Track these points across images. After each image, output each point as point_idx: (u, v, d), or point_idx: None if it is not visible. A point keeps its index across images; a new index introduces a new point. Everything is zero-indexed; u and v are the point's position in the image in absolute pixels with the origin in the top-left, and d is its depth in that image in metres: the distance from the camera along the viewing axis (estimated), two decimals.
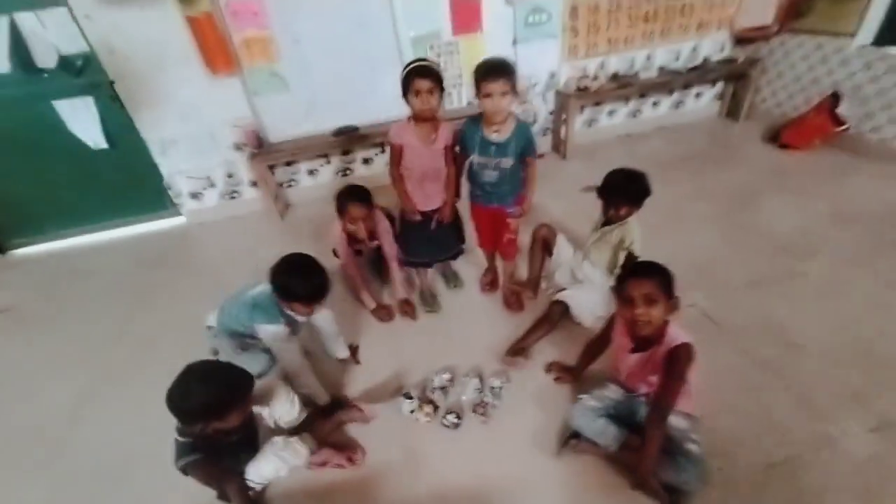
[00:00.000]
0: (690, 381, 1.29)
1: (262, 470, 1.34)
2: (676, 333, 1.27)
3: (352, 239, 2.01)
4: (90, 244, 3.21)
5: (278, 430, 1.47)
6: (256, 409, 1.41)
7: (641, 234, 1.81)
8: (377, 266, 2.37)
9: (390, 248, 2.06)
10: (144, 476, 1.55)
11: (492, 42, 3.16)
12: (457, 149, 1.82)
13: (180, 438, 1.25)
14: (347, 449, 1.51)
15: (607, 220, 1.86)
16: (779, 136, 3.31)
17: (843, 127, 3.01)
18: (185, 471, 1.27)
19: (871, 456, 1.36)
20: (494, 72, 1.54)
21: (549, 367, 1.74)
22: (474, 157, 1.75)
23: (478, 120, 1.71)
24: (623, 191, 1.76)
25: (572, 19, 3.23)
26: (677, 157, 3.47)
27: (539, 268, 2.10)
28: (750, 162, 3.22)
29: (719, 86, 3.94)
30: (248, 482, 1.33)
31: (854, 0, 2.89)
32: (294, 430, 1.48)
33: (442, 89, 1.65)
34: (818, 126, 3.12)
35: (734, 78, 3.78)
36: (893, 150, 2.87)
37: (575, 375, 1.68)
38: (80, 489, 1.54)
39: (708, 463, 1.28)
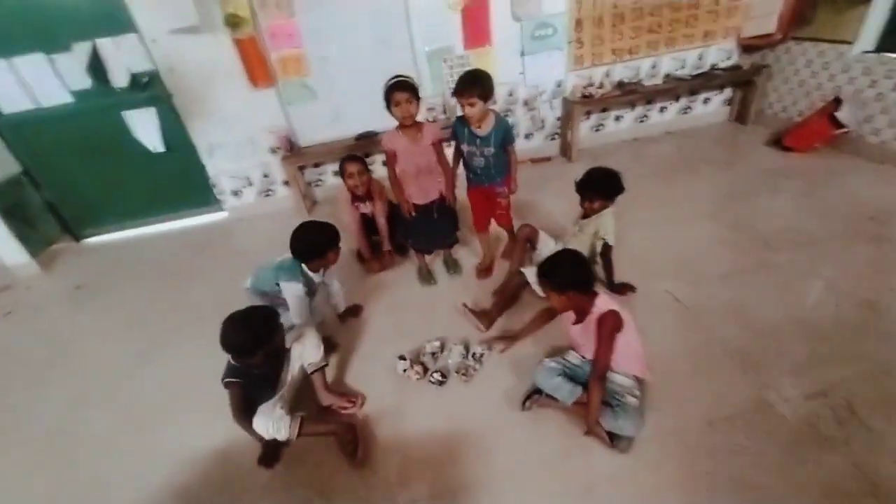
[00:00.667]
0: (632, 345, 1.52)
1: (258, 423, 1.58)
2: (604, 304, 1.50)
3: (355, 197, 2.51)
4: (148, 234, 3.73)
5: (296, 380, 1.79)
6: (291, 345, 1.74)
7: (616, 227, 2.04)
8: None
9: (382, 208, 2.56)
10: (187, 416, 1.91)
11: (501, 54, 3.44)
12: (451, 142, 2.18)
13: (232, 362, 1.59)
14: (350, 395, 1.82)
15: (585, 214, 2.10)
16: (781, 140, 3.40)
17: (843, 130, 3.08)
18: (226, 386, 1.60)
19: (801, 419, 1.52)
20: (463, 87, 1.92)
21: (490, 344, 1.97)
22: (464, 147, 2.13)
23: (463, 119, 2.06)
24: (596, 186, 2.00)
25: (577, 32, 3.46)
26: (681, 159, 3.61)
27: (520, 261, 2.27)
28: (751, 164, 3.33)
29: (728, 91, 4.04)
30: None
31: (854, 9, 2.98)
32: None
33: (418, 98, 1.97)
34: (819, 129, 3.20)
35: (741, 84, 3.89)
36: (891, 151, 2.92)
37: (515, 338, 1.96)
38: (136, 421, 1.92)
39: (644, 414, 1.49)
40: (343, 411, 1.77)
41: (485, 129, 2.03)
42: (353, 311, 2.31)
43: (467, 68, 3.34)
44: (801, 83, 3.46)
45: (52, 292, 3.07)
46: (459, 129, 2.11)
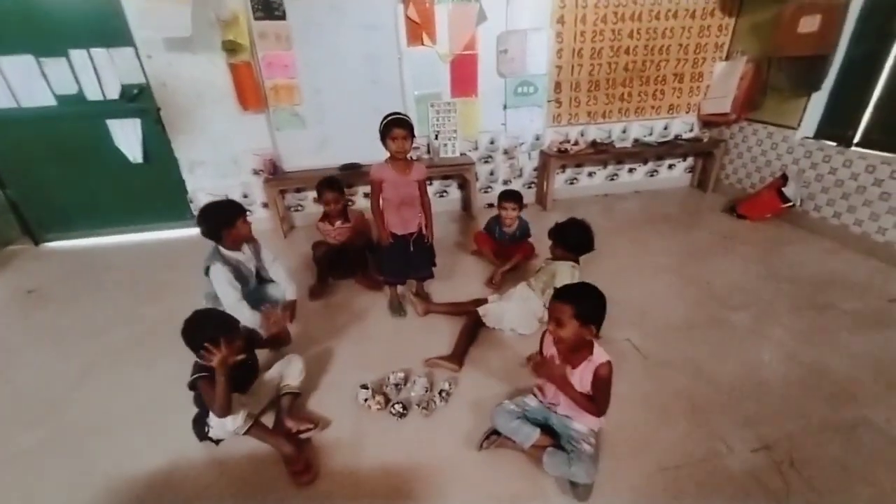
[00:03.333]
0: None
1: (213, 417, 1.60)
2: (600, 355, 1.48)
3: (324, 216, 2.71)
4: (114, 243, 3.61)
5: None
6: (274, 367, 1.87)
7: (576, 279, 2.15)
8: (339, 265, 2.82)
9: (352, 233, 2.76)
10: (127, 437, 1.80)
11: (485, 105, 3.67)
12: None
13: (199, 361, 1.56)
14: (313, 418, 1.79)
15: (553, 256, 2.22)
16: (736, 208, 3.69)
17: (789, 204, 3.39)
18: (193, 385, 1.57)
19: (746, 471, 1.58)
20: (509, 198, 2.77)
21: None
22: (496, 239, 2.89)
23: (498, 218, 2.84)
24: (561, 236, 2.14)
25: (556, 93, 3.75)
26: (647, 218, 3.85)
27: (466, 344, 2.20)
28: (709, 227, 3.58)
29: (690, 160, 4.40)
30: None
31: (797, 98, 3.37)
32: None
33: (413, 136, 2.09)
34: (768, 201, 3.50)
35: (701, 154, 4.25)
36: (831, 227, 3.22)
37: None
38: (71, 441, 1.79)
39: (598, 461, 1.52)
40: (303, 435, 1.72)
41: (512, 228, 2.84)
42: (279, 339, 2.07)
43: (452, 114, 3.57)
44: (753, 159, 3.82)
45: (2, 295, 2.90)
46: (493, 225, 2.91)
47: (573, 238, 2.22)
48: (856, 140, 3.09)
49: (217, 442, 1.69)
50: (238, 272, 2.00)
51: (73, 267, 3.24)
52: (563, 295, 1.49)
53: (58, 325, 2.56)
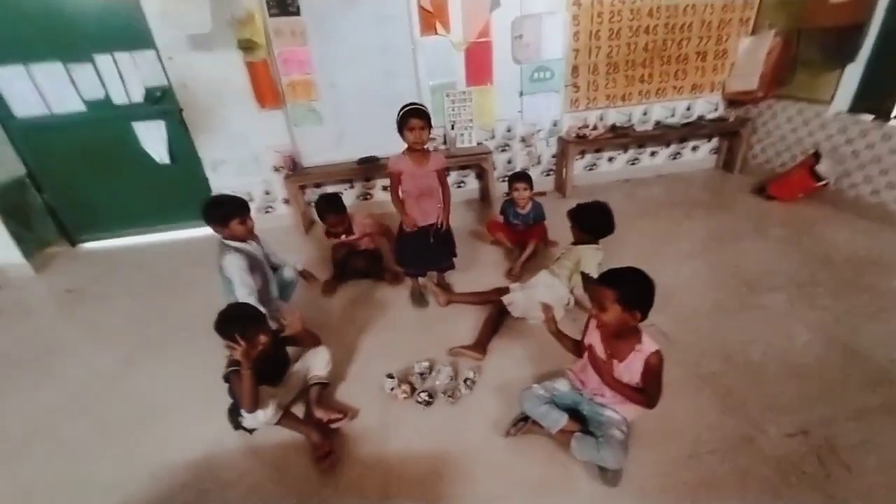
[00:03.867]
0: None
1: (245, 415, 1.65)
2: (650, 344, 1.42)
3: (329, 233, 2.69)
4: (145, 243, 3.75)
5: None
6: (301, 360, 1.91)
7: (600, 263, 2.13)
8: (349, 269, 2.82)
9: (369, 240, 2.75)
10: (169, 425, 1.89)
11: (501, 93, 3.63)
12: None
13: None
14: (342, 408, 1.84)
15: (575, 240, 2.20)
16: (766, 189, 3.56)
17: (823, 182, 3.25)
18: (226, 378, 1.63)
19: (782, 456, 1.54)
20: (519, 179, 2.75)
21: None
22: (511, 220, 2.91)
23: (512, 201, 2.85)
24: (581, 219, 2.14)
25: (573, 77, 3.67)
26: (671, 202, 3.75)
27: (490, 333, 2.20)
28: (737, 210, 3.47)
29: (715, 140, 4.25)
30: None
31: (829, 73, 3.21)
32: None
33: (430, 126, 2.08)
34: (800, 181, 3.36)
35: (727, 135, 4.10)
36: (868, 205, 3.08)
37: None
38: (115, 431, 1.88)
39: (628, 448, 1.50)
40: (333, 424, 1.76)
41: (526, 210, 2.83)
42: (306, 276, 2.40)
43: (468, 103, 3.55)
44: (783, 137, 3.67)
45: (44, 295, 3.05)
46: (507, 207, 2.90)
47: (593, 220, 2.19)
48: (895, 113, 2.94)
49: (251, 431, 1.74)
50: (252, 260, 2.03)
51: (108, 266, 3.38)
52: (607, 278, 1.44)
53: (96, 321, 2.67)
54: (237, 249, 1.99)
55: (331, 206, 2.59)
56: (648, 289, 1.40)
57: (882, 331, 2.06)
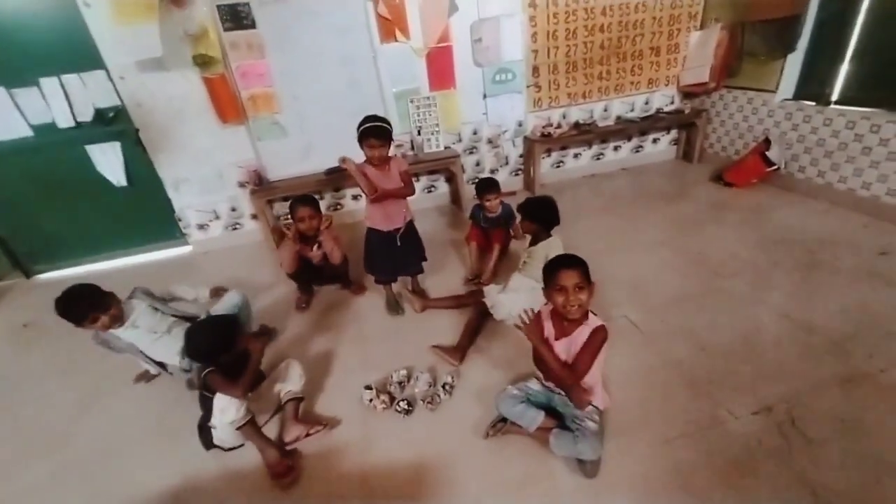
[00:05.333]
0: (596, 376, 1.57)
1: (219, 398, 1.61)
2: (596, 320, 1.51)
3: (303, 238, 2.48)
4: (106, 269, 3.59)
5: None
6: (272, 375, 1.89)
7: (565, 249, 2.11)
8: (312, 278, 2.75)
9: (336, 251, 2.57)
10: (134, 461, 1.82)
11: (464, 96, 3.66)
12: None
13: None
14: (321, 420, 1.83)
15: (532, 241, 2.26)
16: (722, 176, 3.71)
17: (774, 167, 3.41)
18: (204, 382, 1.62)
19: (749, 434, 1.61)
20: (488, 188, 2.67)
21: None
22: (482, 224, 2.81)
23: (481, 206, 2.77)
24: (529, 212, 2.23)
25: (534, 77, 3.74)
26: (635, 193, 3.88)
27: (471, 338, 2.22)
28: (697, 198, 3.60)
29: (674, 132, 4.41)
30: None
31: (773, 62, 3.38)
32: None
33: (391, 142, 2.07)
34: (753, 167, 3.52)
35: (684, 126, 4.26)
36: (816, 186, 3.25)
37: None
38: (81, 470, 1.81)
39: (603, 437, 1.55)
40: (312, 435, 1.74)
41: (496, 213, 2.75)
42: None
43: (433, 108, 3.56)
44: (736, 125, 3.84)
45: None
46: (477, 212, 2.81)
47: (544, 211, 2.24)
48: (834, 98, 3.12)
49: (227, 449, 1.70)
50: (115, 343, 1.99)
51: None
52: (568, 261, 1.49)
53: (55, 356, 2.55)
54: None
55: (304, 200, 2.46)
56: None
57: (835, 306, 2.18)
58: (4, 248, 3.41)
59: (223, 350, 1.62)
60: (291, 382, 1.86)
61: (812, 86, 3.25)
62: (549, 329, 1.59)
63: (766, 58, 3.41)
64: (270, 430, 1.81)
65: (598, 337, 1.47)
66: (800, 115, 3.26)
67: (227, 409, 1.59)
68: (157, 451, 1.83)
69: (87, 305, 1.84)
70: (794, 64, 3.29)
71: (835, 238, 2.76)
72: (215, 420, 1.63)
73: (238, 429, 1.62)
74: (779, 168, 3.41)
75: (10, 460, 1.89)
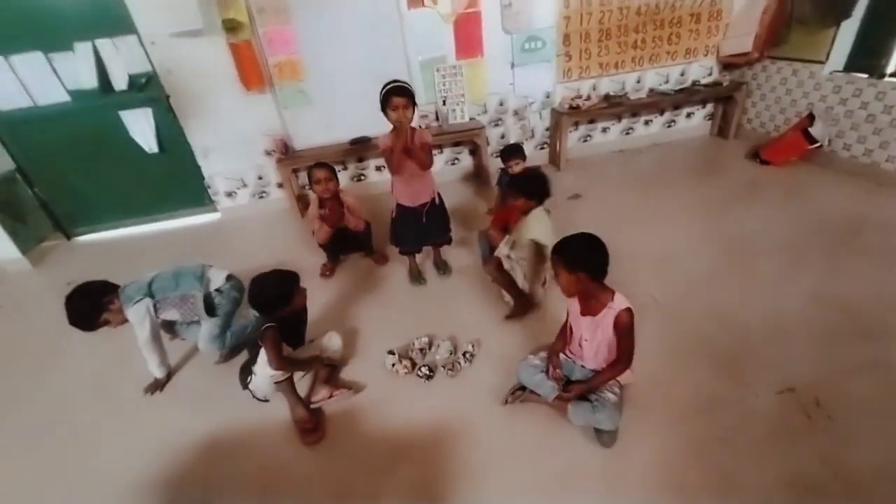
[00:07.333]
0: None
1: (260, 361, 1.71)
2: (622, 301, 1.49)
3: (321, 203, 2.54)
4: (139, 233, 3.75)
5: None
6: (316, 342, 1.97)
7: (549, 228, 2.05)
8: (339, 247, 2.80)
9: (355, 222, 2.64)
10: (174, 408, 1.97)
11: (492, 65, 3.56)
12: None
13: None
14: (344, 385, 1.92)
15: (524, 210, 2.10)
16: (759, 154, 3.55)
17: (817, 145, 3.24)
18: (263, 334, 1.66)
19: (772, 413, 1.60)
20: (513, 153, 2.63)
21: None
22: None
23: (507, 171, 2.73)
24: (518, 185, 2.10)
25: (565, 46, 3.60)
26: (666, 170, 3.75)
27: (513, 284, 2.17)
28: (731, 175, 3.47)
29: (709, 106, 4.21)
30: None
31: (824, 31, 3.15)
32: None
33: (415, 104, 2.03)
34: (794, 143, 3.35)
35: (721, 100, 4.05)
36: (861, 165, 3.08)
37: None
38: (127, 411, 1.96)
39: (622, 408, 1.56)
40: (336, 397, 1.84)
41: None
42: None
43: (459, 77, 3.49)
44: (778, 100, 3.63)
45: (42, 289, 3.07)
46: (502, 177, 2.86)
47: (535, 184, 2.07)
48: (889, 70, 2.90)
49: (258, 398, 1.82)
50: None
51: (105, 258, 3.39)
52: (554, 247, 1.52)
53: None
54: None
55: (319, 165, 2.53)
56: (589, 250, 1.46)
57: (871, 289, 2.10)
58: (46, 210, 3.58)
59: (283, 302, 1.70)
60: (331, 351, 1.95)
61: (866, 57, 3.03)
62: (574, 307, 1.60)
63: (817, 26, 3.18)
64: (300, 389, 1.89)
65: (625, 323, 1.47)
66: (850, 89, 3.06)
67: (266, 368, 1.69)
68: (190, 407, 1.94)
69: (91, 316, 1.83)
70: (847, 33, 3.07)
71: (876, 219, 2.63)
72: (258, 368, 1.73)
73: (276, 383, 1.71)
74: (822, 145, 3.24)
75: (54, 403, 2.06)
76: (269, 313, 1.71)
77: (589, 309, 1.55)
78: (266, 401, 1.83)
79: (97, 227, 3.75)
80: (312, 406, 1.81)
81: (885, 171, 2.94)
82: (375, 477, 1.55)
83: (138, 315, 1.86)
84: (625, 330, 1.48)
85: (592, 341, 1.58)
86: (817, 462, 1.43)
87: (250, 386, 1.81)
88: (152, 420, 1.91)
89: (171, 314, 1.95)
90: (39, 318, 2.76)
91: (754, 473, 1.42)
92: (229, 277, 2.13)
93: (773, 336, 1.92)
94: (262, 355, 1.69)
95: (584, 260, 1.45)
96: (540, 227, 2.03)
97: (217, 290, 2.05)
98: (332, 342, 1.98)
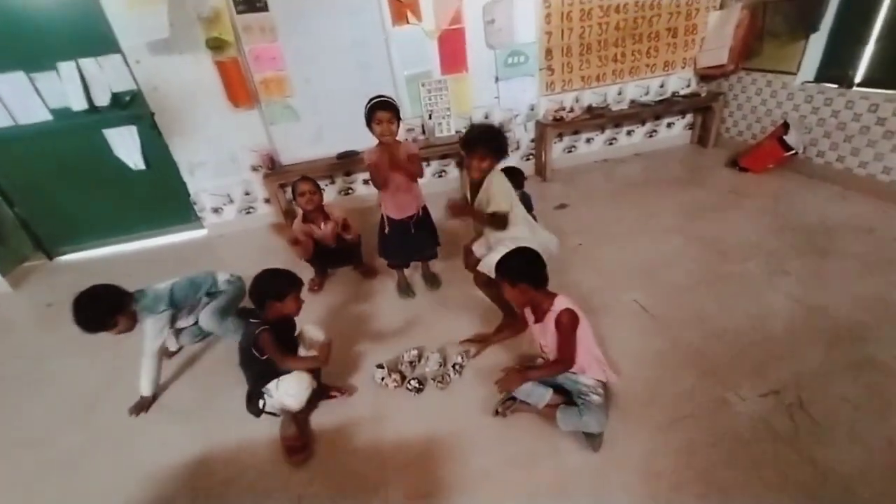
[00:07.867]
0: (593, 351, 1.59)
1: (291, 382, 1.68)
2: (561, 304, 1.54)
3: (305, 216, 2.54)
4: (124, 251, 3.70)
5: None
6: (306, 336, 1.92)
7: (511, 193, 1.93)
8: (326, 261, 2.78)
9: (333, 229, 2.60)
10: (161, 429, 1.92)
11: (476, 80, 3.63)
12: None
13: (251, 320, 1.72)
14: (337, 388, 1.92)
15: (475, 183, 1.95)
16: (737, 162, 3.65)
17: (792, 152, 3.34)
18: (258, 337, 1.64)
19: (757, 416, 1.62)
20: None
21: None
22: None
23: None
24: (485, 141, 1.85)
25: (548, 60, 3.69)
26: (649, 179, 3.83)
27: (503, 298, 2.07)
28: (711, 183, 3.56)
29: (689, 117, 4.32)
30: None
31: (795, 42, 3.28)
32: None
33: (399, 118, 2.06)
34: (770, 151, 3.45)
35: (700, 110, 4.18)
36: (835, 171, 3.18)
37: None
38: (110, 437, 1.91)
39: (608, 411, 1.58)
40: (331, 397, 1.85)
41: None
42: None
43: (444, 92, 3.54)
44: (753, 109, 3.75)
45: (24, 310, 3.01)
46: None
47: (493, 141, 1.86)
48: (857, 80, 3.03)
49: (276, 415, 1.76)
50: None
51: (88, 278, 3.23)
52: (496, 266, 1.59)
53: (80, 335, 2.63)
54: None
55: (303, 178, 2.52)
56: (523, 262, 1.54)
57: (849, 292, 2.16)
58: (27, 230, 3.52)
59: (276, 295, 1.68)
60: (316, 334, 1.91)
61: (835, 67, 3.15)
62: (530, 317, 1.67)
63: (787, 38, 3.31)
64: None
65: (563, 323, 1.52)
66: (821, 98, 3.18)
67: (302, 390, 1.68)
68: (177, 425, 1.91)
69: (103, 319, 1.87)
70: (816, 45, 3.20)
71: (852, 224, 2.71)
72: (283, 395, 1.67)
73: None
74: (797, 153, 3.34)
75: (38, 426, 2.00)
76: (260, 302, 1.69)
77: (539, 316, 1.62)
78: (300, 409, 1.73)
79: (81, 246, 3.70)
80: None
81: (858, 177, 3.04)
82: (367, 492, 1.53)
83: (157, 326, 1.88)
84: (562, 330, 1.53)
85: (549, 346, 1.64)
86: (804, 463, 1.44)
87: (267, 409, 1.74)
88: (138, 441, 1.86)
89: (185, 321, 2.02)
90: (19, 340, 2.70)
91: (743, 476, 1.43)
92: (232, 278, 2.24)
93: (757, 340, 1.96)
94: (283, 379, 1.69)
95: (521, 272, 1.53)
96: (502, 193, 1.88)
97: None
98: (314, 333, 1.92)
